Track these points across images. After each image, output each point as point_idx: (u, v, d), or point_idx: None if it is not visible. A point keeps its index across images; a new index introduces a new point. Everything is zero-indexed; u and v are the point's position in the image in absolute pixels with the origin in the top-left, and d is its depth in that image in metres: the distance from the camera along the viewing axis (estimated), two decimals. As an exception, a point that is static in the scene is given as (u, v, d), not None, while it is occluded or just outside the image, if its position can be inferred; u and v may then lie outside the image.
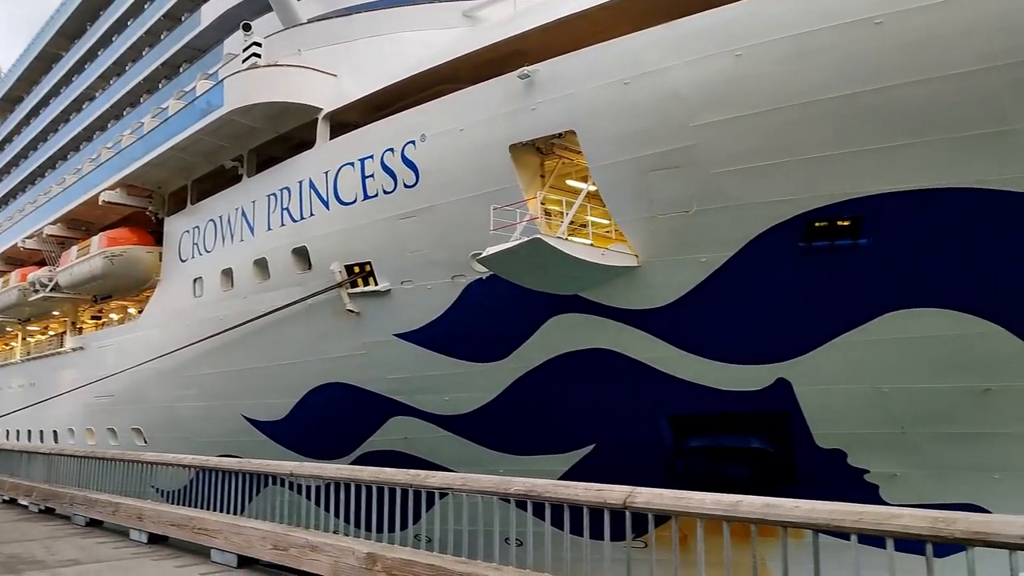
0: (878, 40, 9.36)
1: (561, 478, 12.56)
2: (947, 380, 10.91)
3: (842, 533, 4.33)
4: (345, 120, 15.55)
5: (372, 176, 14.06)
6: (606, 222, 12.28)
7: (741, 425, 12.39)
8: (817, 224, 10.70)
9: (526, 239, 11.14)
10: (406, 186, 13.53)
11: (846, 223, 10.61)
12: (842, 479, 12.03)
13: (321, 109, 15.71)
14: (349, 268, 14.84)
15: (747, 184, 10.67)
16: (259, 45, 16.81)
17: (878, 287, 10.71)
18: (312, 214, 15.36)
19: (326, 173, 14.99)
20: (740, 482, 12.07)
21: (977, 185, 9.76)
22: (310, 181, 15.37)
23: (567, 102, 11.71)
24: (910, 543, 4.13)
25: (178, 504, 9.71)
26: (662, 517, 5.20)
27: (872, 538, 4.25)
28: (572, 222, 11.94)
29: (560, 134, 12.06)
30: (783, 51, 9.93)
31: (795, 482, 12.26)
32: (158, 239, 21.61)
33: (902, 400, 11.26)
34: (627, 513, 5.27)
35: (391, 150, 13.68)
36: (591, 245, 11.86)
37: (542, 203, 12.43)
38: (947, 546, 3.86)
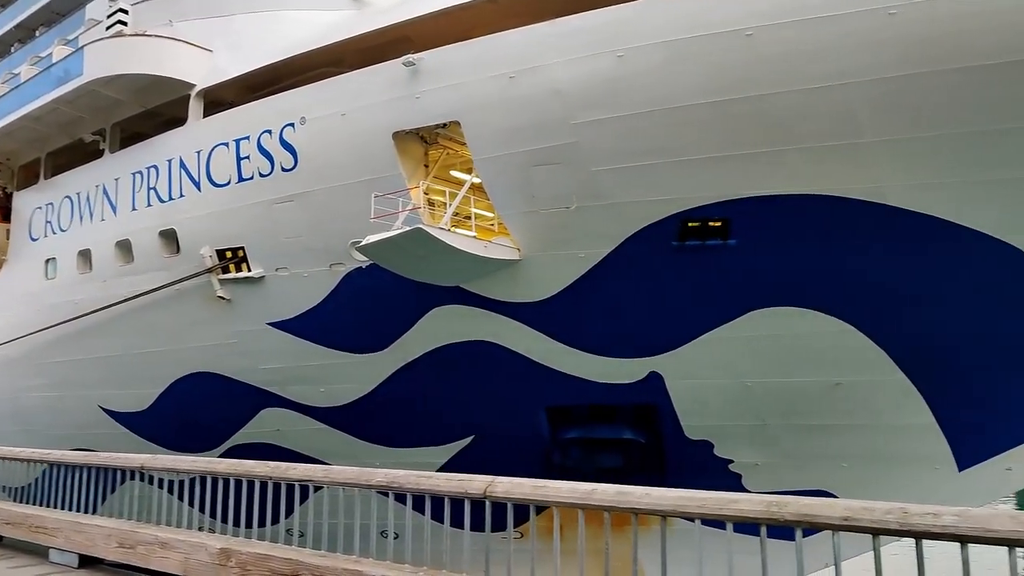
0: (747, 51, 9.79)
1: (440, 470, 12.55)
2: (804, 375, 11.60)
3: (689, 518, 4.51)
4: (220, 98, 14.86)
5: (248, 158, 13.51)
6: (490, 215, 12.30)
7: (615, 416, 12.73)
8: (690, 224, 11.10)
9: (408, 228, 11.01)
10: (284, 170, 13.08)
11: (717, 224, 11.05)
12: (708, 469, 12.57)
13: (194, 85, 14.94)
14: (221, 253, 14.20)
15: (625, 183, 10.94)
16: (125, 12, 15.79)
17: (744, 286, 11.23)
18: (182, 195, 14.61)
19: (198, 153, 14.29)
20: (612, 471, 12.47)
21: (833, 193, 10.39)
22: (180, 160, 14.61)
23: (452, 92, 11.64)
24: (749, 526, 4.34)
25: (25, 503, 8.99)
26: (542, 507, 5.24)
27: (717, 522, 4.44)
28: (456, 214, 11.88)
29: (444, 124, 11.98)
30: (660, 55, 10.24)
31: (664, 472, 12.74)
32: (5, 215, 19.98)
33: (764, 394, 11.87)
34: (487, 503, 5.28)
35: (269, 132, 13.19)
36: (474, 237, 11.85)
37: (425, 193, 12.30)
38: (781, 528, 4.09)
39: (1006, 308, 10.73)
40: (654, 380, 12.12)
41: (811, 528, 3.92)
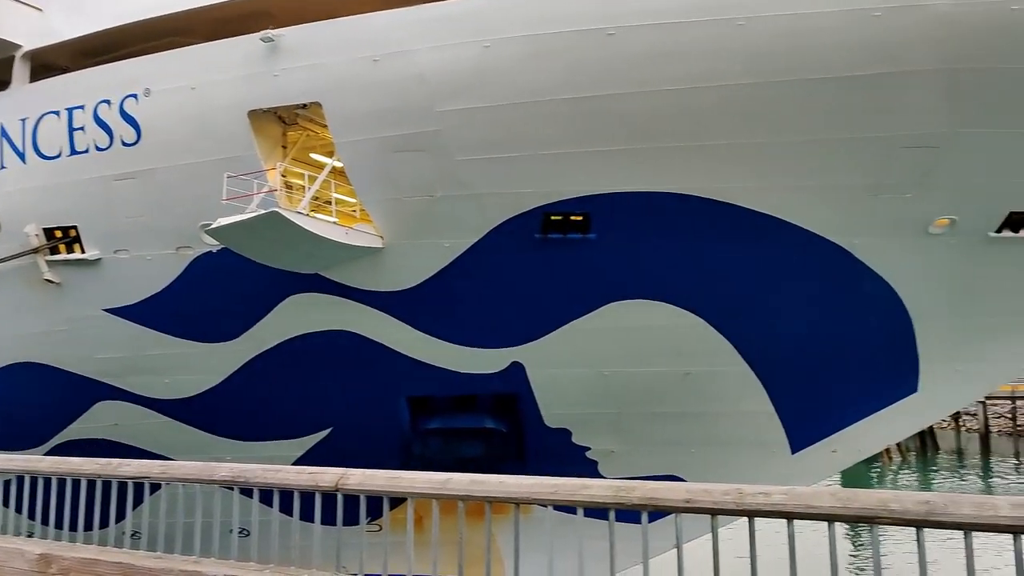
0: (608, 50, 10.05)
1: (295, 464, 12.13)
2: (657, 365, 12.11)
3: (543, 504, 4.56)
4: (50, 62, 13.56)
5: (82, 129, 12.42)
6: (352, 200, 11.98)
7: (476, 406, 12.79)
8: (552, 217, 11.29)
9: (263, 212, 10.54)
10: (124, 144, 12.13)
11: (578, 218, 11.31)
12: (567, 456, 12.89)
13: (19, 46, 13.53)
14: (49, 232, 12.99)
15: (489, 174, 10.96)
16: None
17: (603, 279, 11.56)
18: (3, 166, 13.25)
19: (23, 120, 12.97)
20: (474, 460, 12.55)
21: (686, 192, 10.89)
22: (1, 128, 13.23)
23: (313, 72, 11.21)
24: (600, 511, 4.44)
25: None
26: (397, 500, 5.13)
27: (570, 508, 4.52)
28: (316, 198, 11.48)
29: (304, 105, 11.52)
30: (525, 49, 10.32)
31: (524, 460, 12.94)
32: None
33: (620, 383, 12.30)
34: (339, 496, 5.12)
35: (107, 102, 12.18)
36: (335, 223, 11.49)
37: (283, 175, 11.80)
38: (629, 512, 4.21)
39: (834, 304, 11.67)
40: (516, 370, 12.26)
41: (657, 511, 4.06)
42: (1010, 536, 2.94)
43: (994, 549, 3.12)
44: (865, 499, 3.13)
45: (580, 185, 10.93)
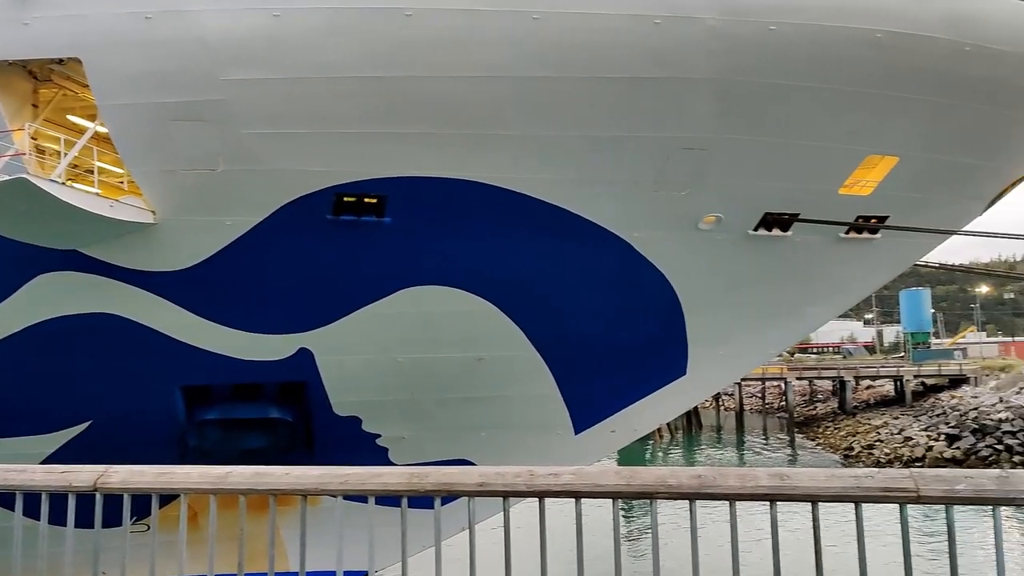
0: (405, 31, 9.87)
1: (46, 461, 10.82)
2: (450, 351, 12.18)
3: (332, 494, 4.36)
4: None
5: None
6: (119, 170, 10.82)
7: (260, 395, 12.14)
8: (346, 199, 10.93)
9: (8, 178, 9.22)
10: None
11: (373, 200, 11.03)
12: (357, 444, 12.61)
13: None
14: None
15: (279, 149, 10.38)
16: None
17: (397, 264, 11.40)
18: None
19: None
20: (258, 452, 11.90)
21: (482, 180, 11.00)
22: None
23: (72, 24, 9.94)
24: (392, 498, 4.34)
25: None
26: (169, 496, 4.66)
27: (361, 497, 4.37)
28: (74, 166, 10.23)
29: (61, 60, 10.21)
30: (319, 21, 9.86)
31: (313, 449, 12.49)
32: None
33: (413, 369, 12.22)
34: (98, 496, 4.55)
35: None
36: (97, 194, 10.32)
37: (33, 138, 10.39)
38: (422, 498, 4.14)
39: (615, 293, 12.41)
40: (303, 357, 11.77)
41: (449, 496, 4.02)
42: (767, 503, 3.23)
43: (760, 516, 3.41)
44: (645, 476, 3.29)
45: (375, 167, 10.67)
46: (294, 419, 12.38)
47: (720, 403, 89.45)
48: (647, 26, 10.15)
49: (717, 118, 10.88)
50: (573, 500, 3.45)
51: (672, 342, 13.17)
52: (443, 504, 4.13)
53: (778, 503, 3.19)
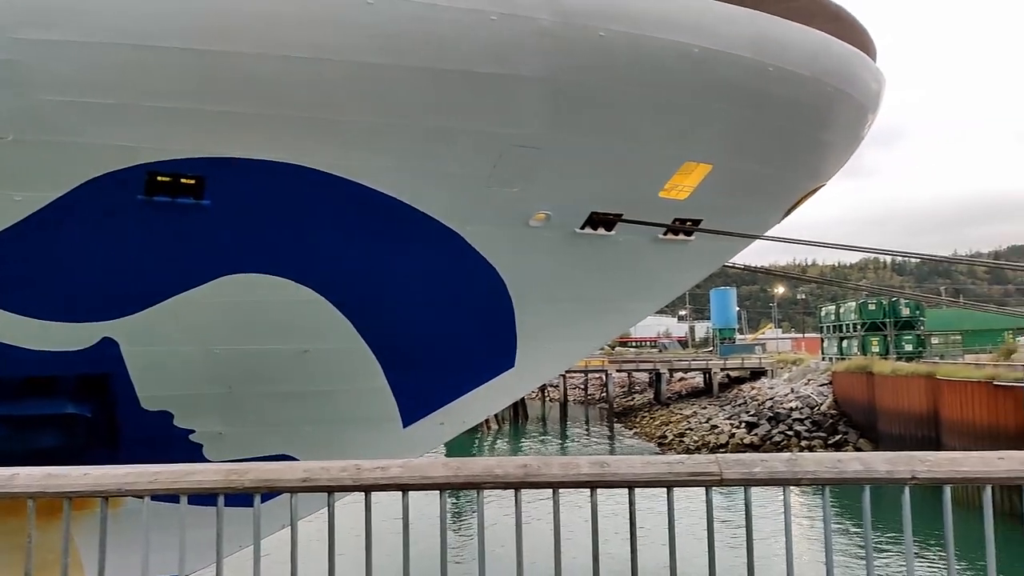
0: (229, 3, 9.29)
1: None
2: (273, 342, 11.67)
3: (139, 495, 4.03)
4: None
5: None
6: None
7: (54, 389, 11.03)
8: (160, 178, 10.12)
9: None
10: None
11: (190, 181, 10.30)
12: (168, 441, 11.80)
13: None
14: None
15: (82, 120, 9.42)
16: None
17: (216, 249, 10.74)
18: None
19: None
20: (51, 451, 10.77)
21: (313, 166, 10.60)
22: None
23: None
24: (207, 497, 4.08)
25: None
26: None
27: (171, 496, 4.07)
28: None
29: None
30: None
31: (118, 447, 11.54)
32: None
33: (233, 361, 11.59)
34: None
35: None
36: None
37: None
38: (240, 496, 3.92)
39: (447, 286, 12.44)
40: (107, 347, 10.82)
41: (271, 492, 3.84)
42: (588, 490, 3.36)
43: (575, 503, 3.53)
44: (473, 466, 3.31)
45: (193, 146, 9.96)
46: (94, 415, 11.37)
47: (546, 394, 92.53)
48: (482, 21, 10.21)
49: (549, 118, 11.16)
50: (400, 493, 3.41)
51: (502, 335, 13.41)
52: (263, 501, 3.94)
53: (599, 489, 3.33)
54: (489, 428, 63.55)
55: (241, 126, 9.99)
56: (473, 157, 11.36)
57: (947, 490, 3.40)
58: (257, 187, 10.46)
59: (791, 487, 3.35)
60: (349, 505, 3.89)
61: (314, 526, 4.16)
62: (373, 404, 12.79)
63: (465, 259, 12.19)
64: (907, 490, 3.36)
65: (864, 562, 3.63)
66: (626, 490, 3.33)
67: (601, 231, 13.20)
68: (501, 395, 15.22)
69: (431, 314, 12.36)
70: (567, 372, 77.91)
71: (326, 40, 9.70)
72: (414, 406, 13.25)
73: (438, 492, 3.37)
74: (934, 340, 65.14)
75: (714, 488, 3.36)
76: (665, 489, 3.30)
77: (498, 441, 61.06)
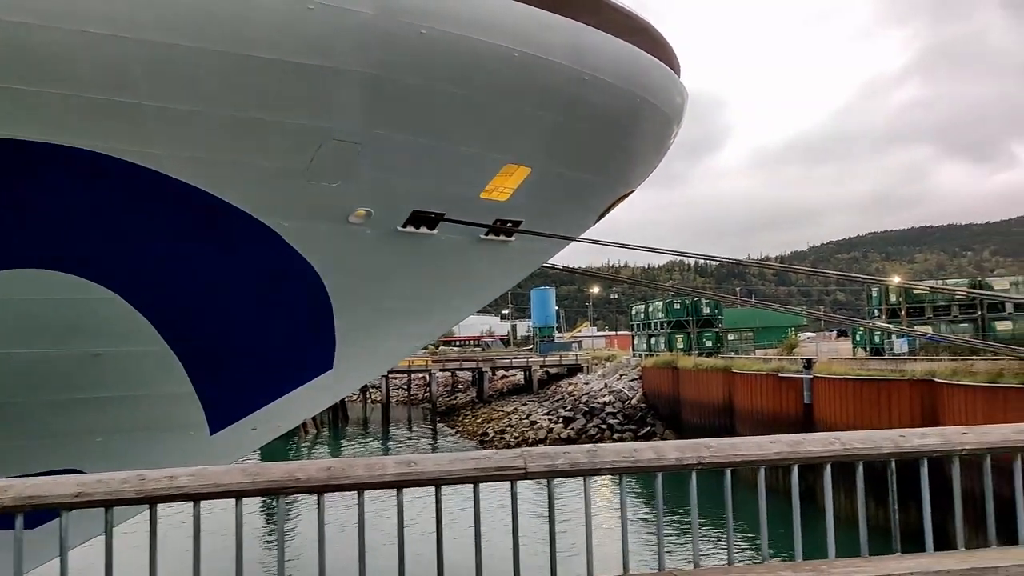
0: None
1: None
2: (58, 346, 10.57)
3: None
4: None
5: None
6: None
7: None
8: None
9: None
10: None
11: None
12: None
13: None
14: None
15: None
16: None
17: (-8, 243, 9.58)
18: None
19: None
20: None
21: (108, 152, 9.70)
22: None
23: None
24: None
25: None
26: None
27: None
28: None
29: None
30: None
31: None
32: None
33: (6, 367, 10.37)
34: None
35: None
36: None
37: None
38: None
39: (260, 284, 11.86)
40: None
41: (41, 511, 3.43)
42: (394, 490, 3.30)
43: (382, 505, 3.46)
44: (273, 471, 3.14)
45: None
46: None
47: (367, 395, 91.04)
48: (300, 9, 9.84)
49: (369, 113, 10.97)
50: (191, 504, 3.17)
51: (319, 335, 13.00)
52: (35, 524, 3.52)
53: (405, 489, 3.29)
54: (307, 432, 61.53)
55: (20, 105, 8.95)
56: (289, 150, 10.89)
57: (728, 473, 3.70)
58: (39, 173, 9.42)
59: (591, 476, 3.49)
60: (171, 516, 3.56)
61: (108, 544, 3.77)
62: (176, 410, 11.94)
63: (280, 256, 11.68)
64: (694, 475, 3.62)
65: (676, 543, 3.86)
66: (433, 489, 3.32)
67: (424, 230, 13.14)
68: (319, 398, 14.76)
69: (242, 314, 11.73)
70: (390, 372, 77.15)
71: (120, 15, 8.91)
72: (222, 411, 12.52)
73: (234, 500, 3.18)
74: (730, 337, 71.13)
75: (520, 482, 3.43)
76: (472, 485, 3.32)
77: (316, 445, 59.27)
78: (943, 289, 50.19)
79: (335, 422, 71.01)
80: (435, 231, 13.25)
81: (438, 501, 3.35)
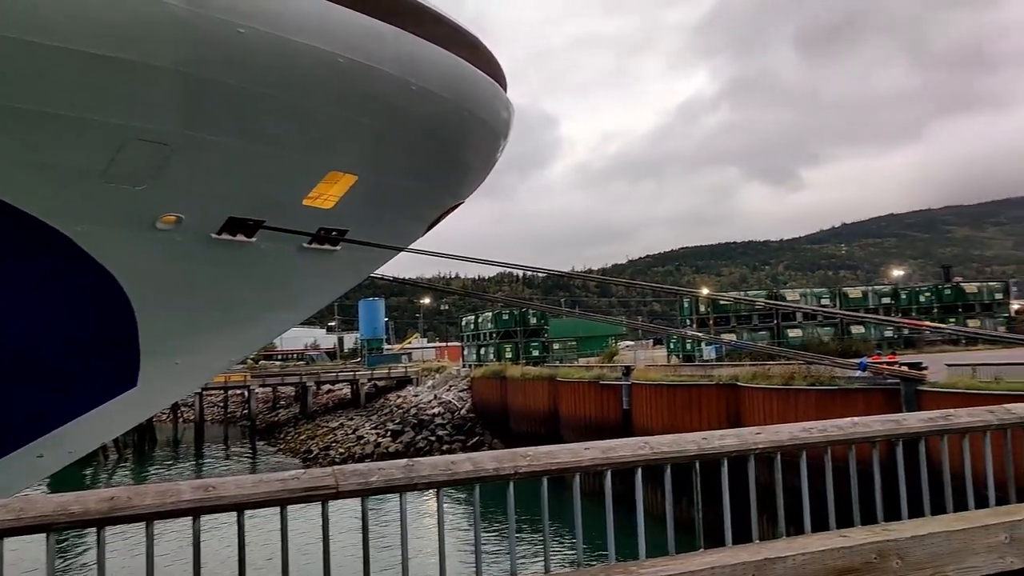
0: None
1: None
2: None
3: None
4: None
5: None
6: None
7: None
8: None
9: None
10: None
11: None
12: None
13: None
14: None
15: None
16: None
17: None
18: None
19: None
20: None
21: None
22: None
23: None
24: None
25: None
26: None
27: None
28: None
29: None
30: None
31: None
32: None
33: None
34: None
35: None
36: None
37: None
38: None
39: (50, 296, 10.71)
40: None
41: None
42: (191, 518, 3.03)
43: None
44: (42, 505, 2.77)
45: None
46: None
47: (179, 414, 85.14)
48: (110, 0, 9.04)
49: (181, 112, 10.25)
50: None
51: (120, 351, 11.92)
52: None
53: (203, 516, 3.02)
54: (107, 457, 56.52)
55: None
56: (85, 148, 9.93)
57: (544, 481, 3.74)
58: None
59: (408, 492, 3.39)
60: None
61: None
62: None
63: (74, 264, 10.60)
64: (511, 484, 3.62)
65: (507, 553, 3.82)
66: (235, 514, 3.07)
67: (241, 237, 12.46)
68: (121, 419, 13.54)
69: (27, 327, 10.52)
70: (204, 389, 72.65)
71: None
72: (2, 438, 11.15)
73: (-3, 540, 2.77)
74: (555, 346, 73.59)
75: (332, 502, 3.26)
76: (279, 508, 3.11)
77: (118, 471, 54.54)
78: (745, 300, 54.90)
79: (141, 445, 65.76)
80: (253, 239, 12.61)
81: (240, 527, 3.10)
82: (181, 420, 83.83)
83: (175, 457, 64.17)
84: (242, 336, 15.35)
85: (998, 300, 67.90)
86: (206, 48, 9.98)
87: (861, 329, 57.97)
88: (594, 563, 3.92)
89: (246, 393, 78.39)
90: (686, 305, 61.64)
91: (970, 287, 69.92)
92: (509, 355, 68.63)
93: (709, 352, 53.13)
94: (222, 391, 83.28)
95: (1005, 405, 5.37)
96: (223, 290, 13.04)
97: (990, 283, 73.83)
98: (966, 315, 63.92)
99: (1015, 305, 76.56)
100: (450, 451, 55.33)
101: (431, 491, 3.54)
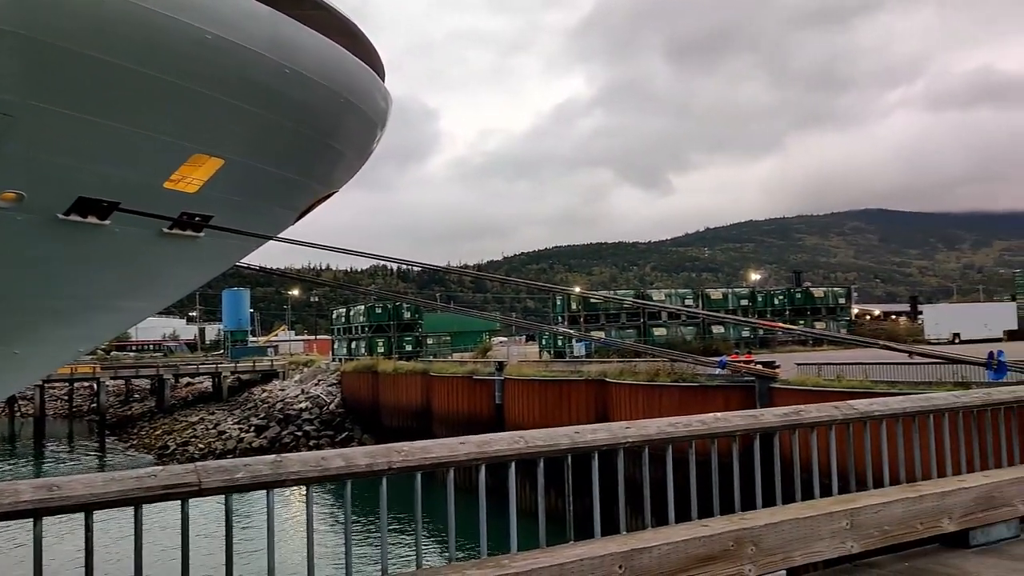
0: None
1: None
2: None
3: None
4: None
5: None
6: None
7: None
8: None
9: None
10: None
11: None
12: None
13: None
14: None
15: None
16: None
17: None
18: None
19: None
20: None
21: None
22: None
23: None
24: None
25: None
26: None
27: None
28: None
29: None
30: None
31: None
32: None
33: None
34: None
35: None
36: None
37: None
38: None
39: None
40: None
41: None
42: (31, 520, 2.76)
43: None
44: None
45: None
46: None
47: (16, 408, 78.39)
48: None
49: (23, 80, 9.41)
50: None
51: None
52: None
53: (45, 517, 2.75)
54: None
55: None
56: None
57: (418, 476, 3.69)
58: None
59: (275, 488, 3.24)
60: None
61: None
62: None
63: None
64: (384, 480, 3.54)
65: (380, 549, 3.70)
66: (83, 515, 2.82)
67: (92, 219, 11.58)
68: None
69: None
70: (46, 381, 67.27)
71: None
72: None
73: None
74: (429, 340, 73.27)
75: (193, 499, 3.07)
76: (133, 508, 2.89)
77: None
78: (614, 299, 56.72)
79: (-27, 441, 60.23)
80: (107, 221, 11.75)
81: (88, 530, 2.86)
82: (19, 414, 77.15)
83: (11, 455, 59.09)
84: (93, 325, 14.31)
85: (841, 304, 73.73)
86: (53, 12, 9.19)
87: (721, 329, 61.26)
88: (467, 558, 3.91)
89: (95, 386, 73.30)
90: (558, 302, 62.97)
91: (818, 292, 75.52)
92: (382, 349, 67.71)
93: (579, 349, 54.53)
94: (67, 383, 77.53)
95: (849, 402, 5.81)
96: (71, 275, 12.10)
97: (835, 288, 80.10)
98: (814, 317, 68.91)
99: (855, 309, 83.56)
100: (318, 447, 53.88)
101: (300, 488, 3.42)
